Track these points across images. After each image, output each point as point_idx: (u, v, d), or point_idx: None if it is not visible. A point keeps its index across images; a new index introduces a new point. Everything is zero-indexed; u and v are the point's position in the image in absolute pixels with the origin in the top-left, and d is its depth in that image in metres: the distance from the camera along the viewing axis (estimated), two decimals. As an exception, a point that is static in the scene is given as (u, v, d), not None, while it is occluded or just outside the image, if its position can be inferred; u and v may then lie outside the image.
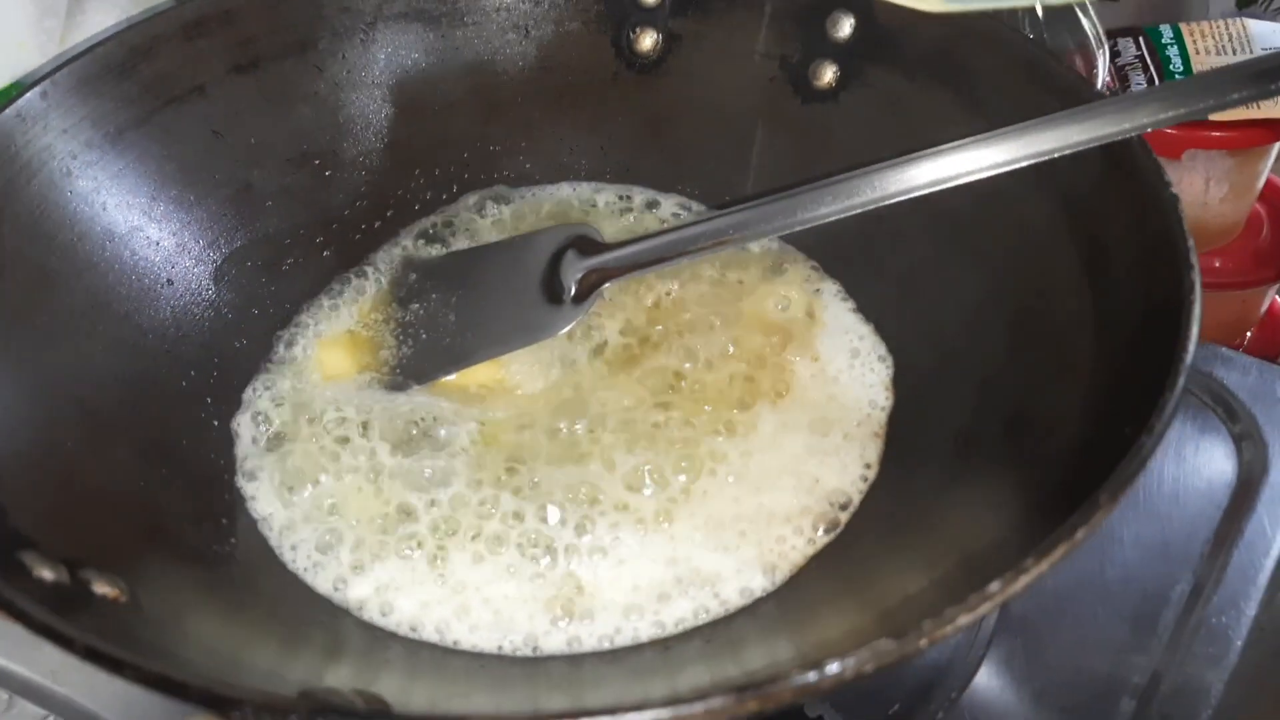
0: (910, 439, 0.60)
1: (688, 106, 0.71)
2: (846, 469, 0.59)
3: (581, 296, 0.64)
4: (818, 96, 0.67)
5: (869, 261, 0.66)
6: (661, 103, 0.71)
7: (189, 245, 0.64)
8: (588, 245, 0.65)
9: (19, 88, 0.67)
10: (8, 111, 0.57)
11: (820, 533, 0.57)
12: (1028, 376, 0.55)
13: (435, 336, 0.65)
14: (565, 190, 0.73)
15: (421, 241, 0.70)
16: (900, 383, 0.63)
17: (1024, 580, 0.39)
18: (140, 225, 0.62)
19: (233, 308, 0.65)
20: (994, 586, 0.39)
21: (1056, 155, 0.52)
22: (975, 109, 0.60)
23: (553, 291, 0.64)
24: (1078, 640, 0.61)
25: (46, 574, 0.43)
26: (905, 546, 0.53)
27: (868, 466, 0.60)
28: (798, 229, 0.58)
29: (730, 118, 0.70)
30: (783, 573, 0.56)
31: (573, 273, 0.64)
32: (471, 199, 0.72)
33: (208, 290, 0.64)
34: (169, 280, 0.63)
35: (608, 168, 0.74)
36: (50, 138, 0.58)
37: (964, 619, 0.38)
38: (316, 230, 0.68)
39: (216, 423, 0.62)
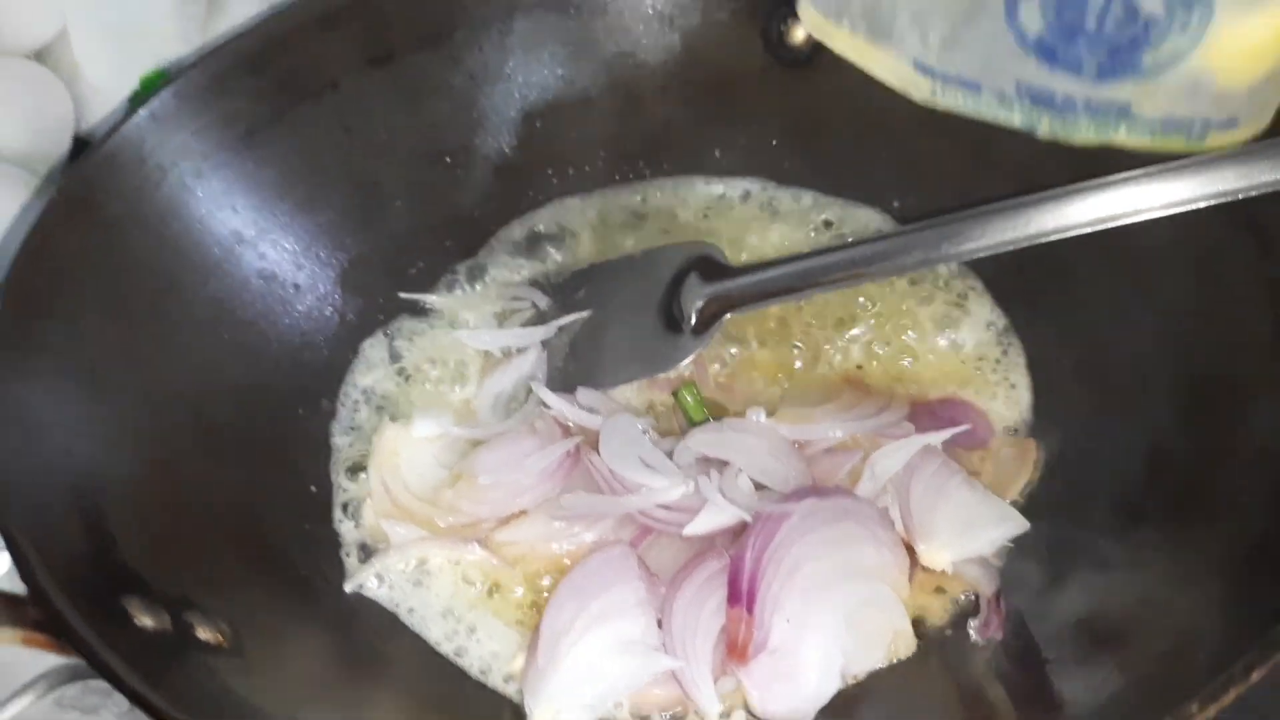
0: (1065, 509, 0.53)
1: (842, 105, 0.65)
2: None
3: (702, 327, 0.58)
4: (988, 103, 0.61)
5: (1032, 299, 0.60)
6: (813, 100, 0.66)
7: (316, 247, 0.62)
8: (711, 269, 0.60)
9: (163, 75, 0.67)
10: (141, 112, 0.56)
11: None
12: (1205, 444, 0.49)
13: (550, 360, 0.61)
14: (702, 188, 0.69)
15: (552, 249, 0.67)
16: (1055, 442, 0.56)
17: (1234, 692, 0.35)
18: (268, 228, 0.61)
19: (357, 311, 0.63)
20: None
21: (1253, 193, 0.45)
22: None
23: (671, 319, 0.59)
24: None
25: (148, 621, 0.42)
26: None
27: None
28: (941, 264, 0.53)
29: (889, 120, 0.64)
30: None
31: (694, 300, 0.59)
32: (606, 197, 0.69)
33: (334, 294, 0.63)
34: (295, 285, 0.62)
35: (751, 167, 0.69)
36: (183, 137, 0.58)
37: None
38: (444, 232, 0.66)
39: (335, 438, 0.60)
